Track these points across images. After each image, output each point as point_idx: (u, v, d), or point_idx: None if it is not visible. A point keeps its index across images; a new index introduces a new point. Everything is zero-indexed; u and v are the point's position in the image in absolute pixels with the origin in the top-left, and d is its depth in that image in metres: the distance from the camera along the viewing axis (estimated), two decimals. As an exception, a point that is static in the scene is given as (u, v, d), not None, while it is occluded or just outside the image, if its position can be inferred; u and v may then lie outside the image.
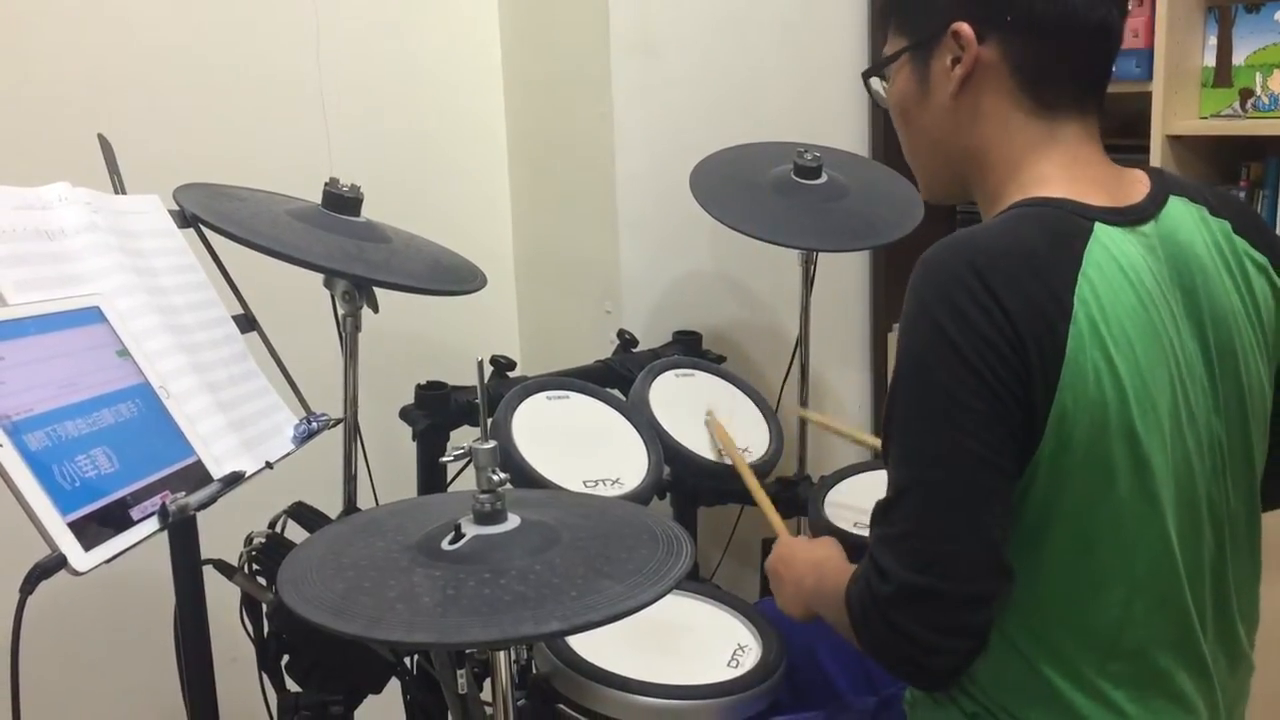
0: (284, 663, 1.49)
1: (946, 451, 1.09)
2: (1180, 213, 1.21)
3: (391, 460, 1.87)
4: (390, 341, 2.05)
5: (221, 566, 1.41)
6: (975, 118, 1.22)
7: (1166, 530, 1.14)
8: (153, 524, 1.07)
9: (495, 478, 1.16)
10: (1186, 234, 1.19)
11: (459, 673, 1.12)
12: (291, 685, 1.51)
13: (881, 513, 1.13)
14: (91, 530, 0.99)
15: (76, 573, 0.96)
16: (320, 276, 1.55)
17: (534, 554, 1.13)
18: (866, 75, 1.33)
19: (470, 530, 1.15)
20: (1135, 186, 1.22)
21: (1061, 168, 1.19)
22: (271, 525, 1.54)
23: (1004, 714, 1.19)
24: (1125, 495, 1.12)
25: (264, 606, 1.44)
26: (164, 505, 1.07)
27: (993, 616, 1.11)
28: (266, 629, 1.48)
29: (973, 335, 1.07)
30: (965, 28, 1.18)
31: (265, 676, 1.50)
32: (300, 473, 1.49)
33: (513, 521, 1.17)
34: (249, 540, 1.49)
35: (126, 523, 1.04)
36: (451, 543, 1.14)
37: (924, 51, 1.23)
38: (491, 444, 1.17)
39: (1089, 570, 1.13)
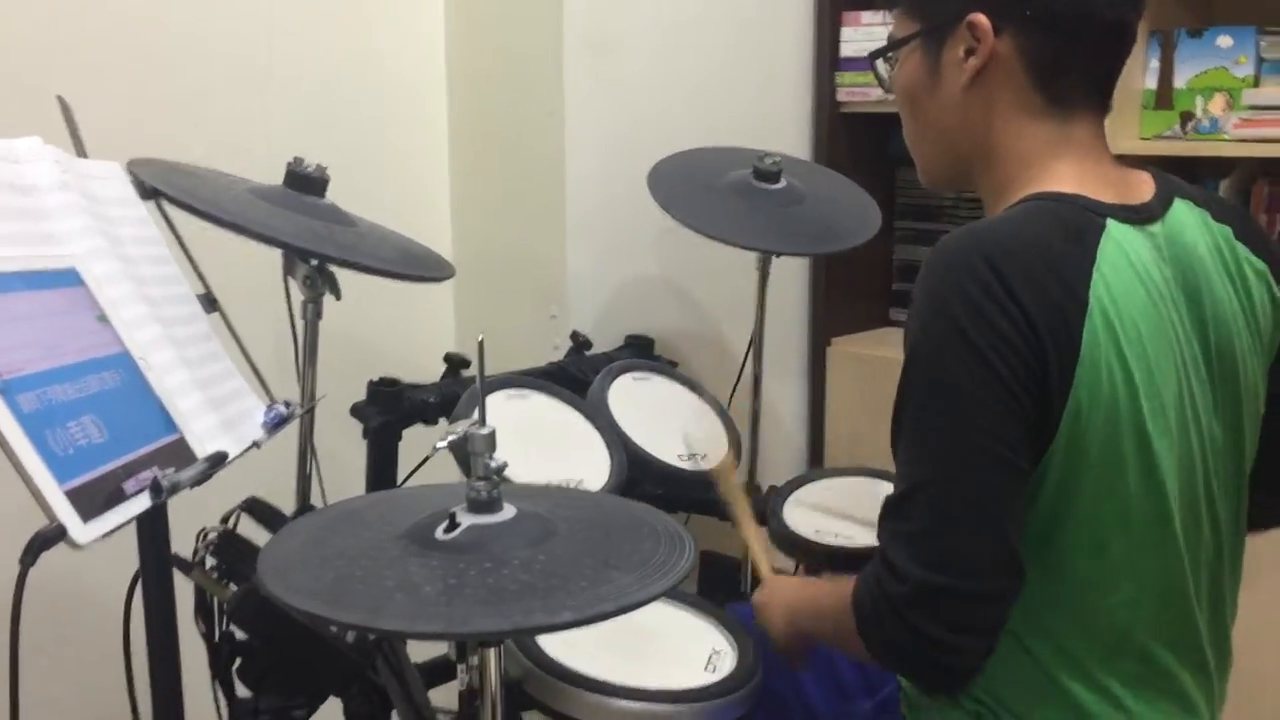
0: (236, 667, 1.41)
1: (962, 448, 1.07)
2: (1185, 215, 1.21)
3: (327, 459, 1.78)
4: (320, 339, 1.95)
5: (178, 562, 1.31)
6: (986, 111, 1.21)
7: (1174, 529, 1.14)
8: (144, 500, 0.99)
9: (492, 464, 1.11)
10: (1191, 236, 1.20)
11: (460, 666, 1.06)
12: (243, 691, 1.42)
13: (893, 509, 1.10)
14: (88, 501, 0.91)
15: (76, 545, 0.88)
16: (267, 263, 1.47)
17: (534, 545, 1.08)
18: (873, 57, 1.31)
19: (465, 519, 1.09)
20: (1141, 187, 1.22)
21: (1073, 165, 1.19)
22: (224, 520, 1.45)
23: (1008, 714, 1.18)
24: (1134, 493, 1.11)
25: (220, 605, 1.36)
26: (156, 480, 0.99)
27: (1008, 614, 1.09)
28: (219, 631, 1.40)
29: (988, 330, 1.05)
30: (983, 19, 1.17)
31: (218, 684, 1.41)
32: (236, 469, 1.40)
33: (509, 511, 1.11)
34: (203, 535, 1.40)
35: (119, 496, 0.96)
36: (446, 532, 1.08)
37: (936, 39, 1.22)
38: (489, 428, 1.11)
39: (1100, 569, 1.12)
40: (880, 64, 1.32)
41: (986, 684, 1.18)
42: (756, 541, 1.63)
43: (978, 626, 1.07)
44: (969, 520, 1.06)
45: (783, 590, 1.41)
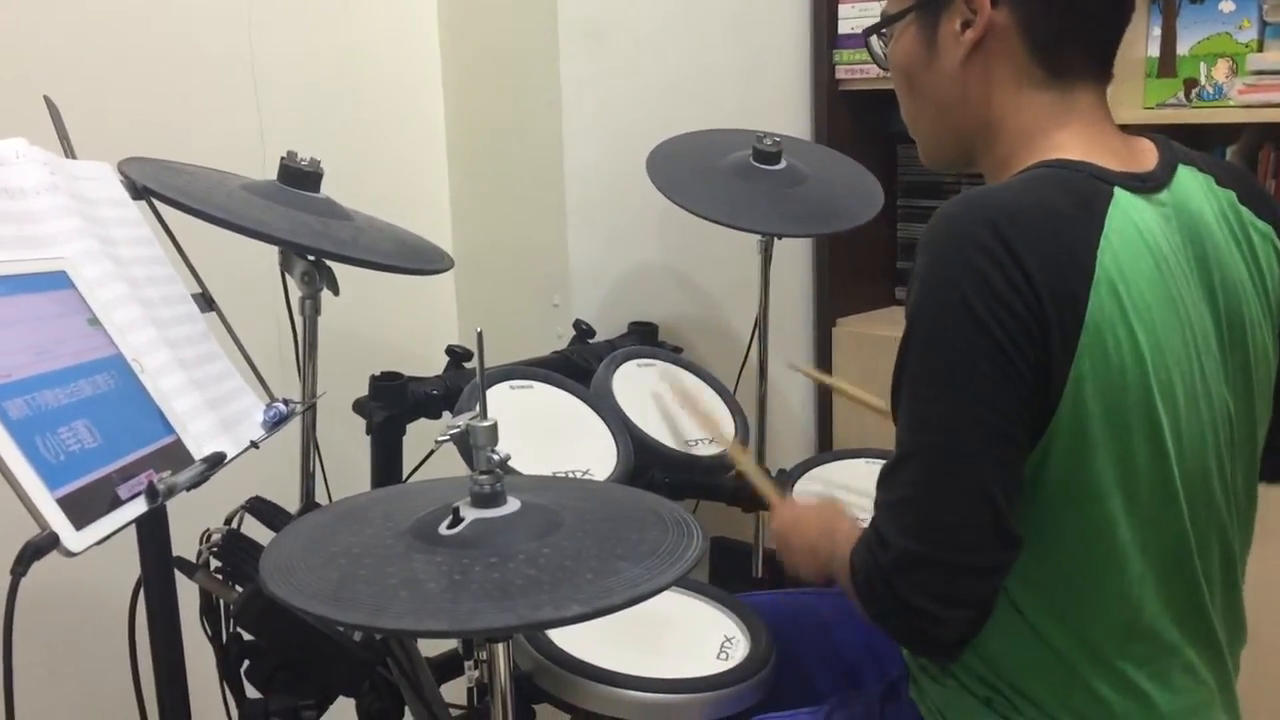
0: (244, 668, 1.39)
1: (953, 417, 1.06)
2: (1190, 182, 1.19)
3: (331, 455, 1.76)
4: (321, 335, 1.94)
5: (182, 564, 1.30)
6: (985, 84, 1.18)
7: (1179, 502, 1.12)
8: (140, 504, 0.98)
9: (495, 457, 1.09)
10: (1197, 203, 1.18)
11: (468, 662, 1.04)
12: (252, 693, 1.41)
13: (887, 476, 1.10)
14: (80, 508, 0.89)
15: (70, 553, 0.86)
16: (263, 260, 1.45)
17: (539, 537, 1.06)
18: (867, 33, 1.29)
19: (469, 514, 1.07)
20: (1145, 155, 1.20)
21: (1077, 134, 1.16)
22: (228, 521, 1.43)
23: (1020, 698, 1.16)
24: (1142, 467, 1.09)
25: (227, 606, 1.34)
26: (151, 484, 0.98)
27: (999, 586, 1.08)
28: (225, 633, 1.38)
29: (988, 295, 1.03)
30: None
31: (226, 686, 1.39)
32: (239, 468, 1.38)
33: (513, 504, 1.10)
34: (206, 536, 1.38)
35: (114, 502, 0.94)
36: (450, 527, 1.06)
37: (932, 12, 1.19)
38: (491, 421, 1.10)
39: (1110, 547, 1.11)
40: (875, 41, 1.30)
41: (1000, 669, 1.16)
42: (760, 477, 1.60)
43: (963, 598, 1.07)
44: (956, 491, 1.05)
45: (806, 531, 1.35)
